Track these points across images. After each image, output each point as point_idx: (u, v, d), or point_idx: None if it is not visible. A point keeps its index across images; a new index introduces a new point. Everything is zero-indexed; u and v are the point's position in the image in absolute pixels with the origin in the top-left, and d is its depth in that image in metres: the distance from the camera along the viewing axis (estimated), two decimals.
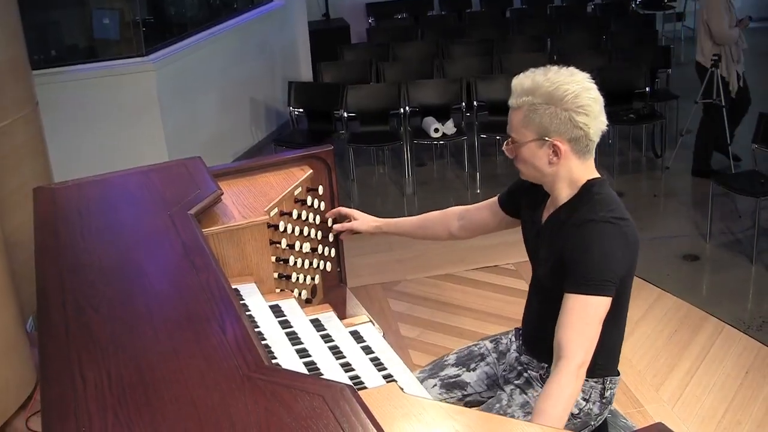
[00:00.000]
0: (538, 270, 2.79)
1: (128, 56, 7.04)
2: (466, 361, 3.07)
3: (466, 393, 3.01)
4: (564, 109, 2.49)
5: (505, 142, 2.66)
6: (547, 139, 2.53)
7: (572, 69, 2.57)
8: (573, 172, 2.59)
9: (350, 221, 3.43)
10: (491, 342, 3.10)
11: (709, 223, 6.41)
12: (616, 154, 8.07)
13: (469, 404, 3.02)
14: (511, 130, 2.61)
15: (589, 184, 2.60)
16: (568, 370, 2.39)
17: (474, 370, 3.04)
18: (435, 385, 3.02)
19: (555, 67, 2.57)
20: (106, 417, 1.81)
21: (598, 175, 2.64)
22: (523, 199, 2.89)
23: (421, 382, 3.02)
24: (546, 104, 2.50)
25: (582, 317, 2.42)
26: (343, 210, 3.46)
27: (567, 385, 2.38)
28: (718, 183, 6.35)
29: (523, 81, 2.56)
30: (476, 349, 3.11)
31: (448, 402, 2.97)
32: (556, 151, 2.54)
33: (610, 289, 2.45)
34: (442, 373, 3.05)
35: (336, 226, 3.47)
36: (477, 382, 3.01)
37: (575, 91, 2.49)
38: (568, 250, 2.52)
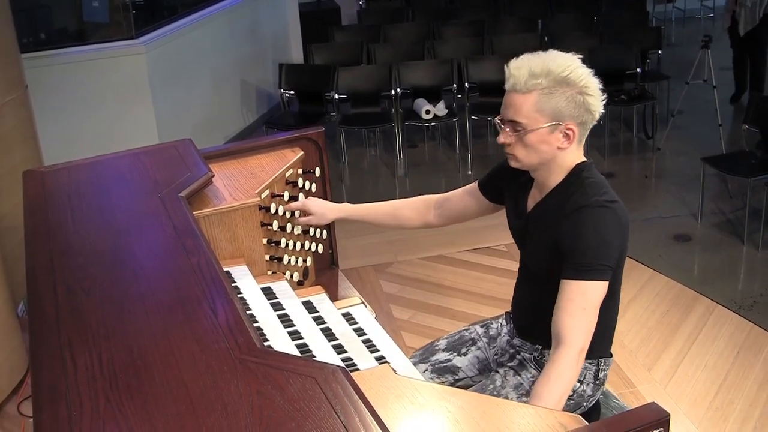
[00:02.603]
0: (527, 258, 2.79)
1: (118, 39, 6.99)
2: (456, 345, 3.07)
3: (457, 377, 3.00)
4: (579, 92, 2.47)
5: (502, 129, 2.57)
6: (560, 123, 2.50)
7: (564, 53, 2.55)
8: (568, 157, 2.57)
9: (307, 216, 3.25)
10: (482, 327, 3.10)
11: (701, 203, 6.42)
12: (608, 135, 8.07)
13: (461, 389, 3.02)
14: (518, 115, 2.50)
15: (578, 169, 2.58)
16: (569, 356, 2.39)
17: (465, 354, 3.03)
18: (426, 370, 3.01)
19: (553, 51, 2.54)
20: (98, 400, 1.81)
21: (585, 159, 2.63)
22: (504, 187, 2.86)
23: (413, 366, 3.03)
24: (562, 88, 2.46)
25: (581, 303, 2.42)
26: (294, 205, 3.25)
27: (567, 370, 2.38)
28: (710, 163, 6.35)
29: (530, 64, 2.48)
30: (467, 333, 3.10)
31: None
32: (567, 135, 2.52)
33: (607, 274, 2.44)
34: (433, 358, 3.04)
35: (299, 220, 3.28)
36: (468, 366, 3.01)
37: (586, 75, 2.49)
38: (563, 238, 2.50)
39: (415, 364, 3.02)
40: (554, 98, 2.47)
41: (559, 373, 2.38)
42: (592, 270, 2.42)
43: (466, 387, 2.98)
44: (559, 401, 2.36)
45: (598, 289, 2.43)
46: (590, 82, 2.50)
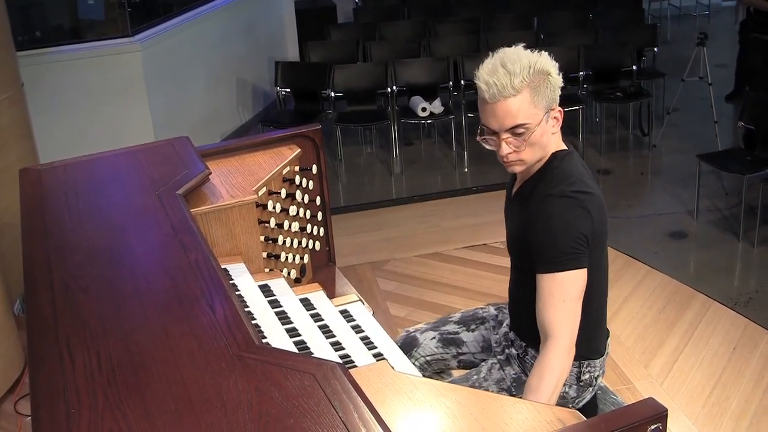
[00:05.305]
0: (510, 248, 2.82)
1: (114, 37, 6.97)
2: (468, 321, 3.15)
3: (460, 351, 3.08)
4: (550, 75, 2.50)
5: (502, 141, 2.51)
6: (552, 109, 2.53)
7: (509, 47, 2.56)
8: (552, 143, 2.60)
9: None
10: (495, 309, 3.17)
11: (697, 200, 6.42)
12: (603, 132, 8.06)
13: (462, 362, 3.11)
14: (518, 118, 2.47)
15: (552, 157, 2.61)
16: (558, 348, 2.41)
17: (473, 331, 3.11)
18: (434, 337, 3.10)
19: (502, 49, 2.54)
20: (96, 398, 1.81)
21: (565, 147, 2.65)
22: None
23: (422, 332, 3.13)
24: (540, 77, 2.48)
25: (560, 295, 2.44)
26: None
27: (557, 363, 2.40)
28: (705, 160, 6.36)
29: (501, 67, 2.46)
30: (480, 312, 3.18)
31: (442, 356, 3.07)
32: (556, 118, 2.56)
33: (579, 261, 2.45)
34: (444, 328, 3.13)
35: None
36: (473, 342, 3.08)
37: (546, 58, 2.53)
38: (529, 228, 2.54)
39: (426, 330, 3.13)
40: (541, 88, 2.48)
41: (549, 367, 2.40)
42: (562, 261, 2.44)
43: (467, 362, 3.08)
44: (551, 395, 2.39)
45: (574, 279, 2.44)
46: (553, 64, 2.53)
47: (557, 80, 2.53)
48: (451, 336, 3.10)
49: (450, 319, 3.17)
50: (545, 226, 2.48)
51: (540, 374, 2.40)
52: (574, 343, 2.44)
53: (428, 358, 3.08)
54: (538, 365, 2.43)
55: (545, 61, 2.51)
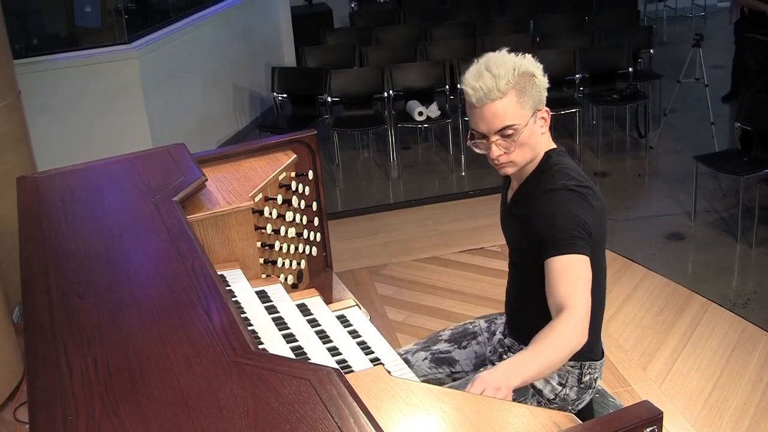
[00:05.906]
0: (511, 251, 2.83)
1: (111, 44, 6.98)
2: (459, 338, 3.10)
3: (454, 370, 3.04)
4: (535, 76, 2.54)
5: (492, 144, 2.54)
6: (539, 110, 2.56)
7: (493, 52, 2.59)
8: (542, 143, 2.63)
9: None
10: (486, 321, 3.14)
11: (694, 202, 6.43)
12: (600, 135, 8.07)
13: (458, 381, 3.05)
14: (506, 119, 2.50)
15: (547, 156, 2.64)
16: (573, 319, 2.32)
17: (465, 348, 3.07)
18: (426, 358, 3.05)
19: (486, 54, 2.58)
20: (93, 404, 1.82)
21: (555, 146, 2.68)
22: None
23: (413, 353, 3.07)
24: (525, 78, 2.51)
25: (573, 275, 2.39)
26: None
27: (573, 334, 2.32)
28: (702, 162, 6.36)
29: (487, 72, 2.49)
30: (471, 327, 3.14)
31: (436, 376, 3.02)
32: (544, 119, 2.59)
33: (585, 249, 2.43)
34: (434, 348, 3.08)
35: None
36: (466, 360, 3.04)
37: (531, 60, 2.56)
38: (535, 220, 2.54)
39: (416, 351, 3.08)
40: (527, 90, 2.51)
41: (560, 332, 2.30)
42: (569, 244, 2.42)
43: None
44: (553, 361, 2.31)
45: (581, 263, 2.42)
46: (537, 66, 2.57)
47: (542, 81, 2.56)
48: (443, 355, 3.06)
49: (440, 338, 3.12)
50: (550, 215, 2.49)
51: (545, 337, 2.30)
52: (588, 324, 2.35)
53: (422, 379, 3.03)
54: (544, 332, 2.32)
55: (529, 63, 2.55)
